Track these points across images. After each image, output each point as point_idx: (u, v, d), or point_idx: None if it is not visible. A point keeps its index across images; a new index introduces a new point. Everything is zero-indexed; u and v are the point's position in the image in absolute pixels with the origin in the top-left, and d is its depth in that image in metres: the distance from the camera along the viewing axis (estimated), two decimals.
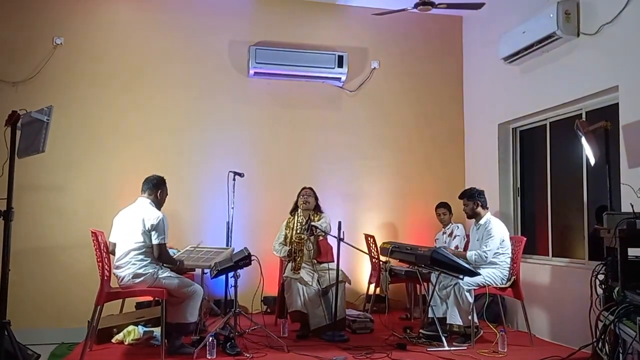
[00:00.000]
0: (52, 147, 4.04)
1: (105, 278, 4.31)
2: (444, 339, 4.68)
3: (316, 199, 5.57)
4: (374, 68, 6.96)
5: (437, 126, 7.04)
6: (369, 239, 6.22)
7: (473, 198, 5.17)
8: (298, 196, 5.58)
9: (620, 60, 4.62)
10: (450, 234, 6.11)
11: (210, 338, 4.27)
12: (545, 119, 5.90)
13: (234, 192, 5.71)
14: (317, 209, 5.57)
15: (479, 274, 4.77)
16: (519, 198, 6.36)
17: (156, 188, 4.58)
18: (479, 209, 5.15)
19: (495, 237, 4.95)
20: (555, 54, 5.42)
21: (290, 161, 6.64)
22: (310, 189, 5.59)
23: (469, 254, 4.93)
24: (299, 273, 5.19)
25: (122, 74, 6.27)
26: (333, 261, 5.27)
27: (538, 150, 6.13)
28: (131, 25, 6.37)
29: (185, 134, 6.40)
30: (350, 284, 5.40)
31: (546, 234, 5.83)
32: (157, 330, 4.73)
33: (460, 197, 5.31)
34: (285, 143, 6.67)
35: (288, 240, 5.44)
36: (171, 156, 6.28)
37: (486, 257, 4.91)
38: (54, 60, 6.06)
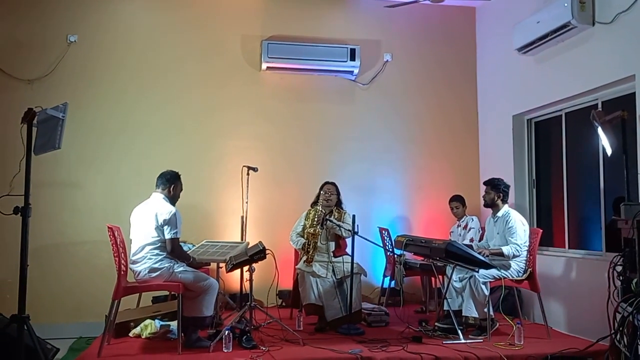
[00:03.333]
0: (68, 143, 4.06)
1: (122, 273, 4.35)
2: (459, 331, 4.66)
3: (338, 194, 5.54)
4: (387, 61, 6.93)
5: (450, 118, 7.01)
6: (384, 232, 6.21)
7: (498, 189, 5.13)
8: (320, 190, 5.53)
9: (637, 48, 4.55)
10: (465, 227, 6.07)
11: (226, 331, 4.29)
12: (561, 110, 5.84)
13: (248, 186, 5.73)
14: (339, 205, 5.54)
15: (494, 267, 4.75)
16: (534, 190, 6.31)
17: (169, 183, 4.60)
18: (499, 202, 5.12)
19: (519, 229, 4.92)
20: (570, 44, 5.36)
21: (303, 155, 6.65)
22: (333, 184, 5.51)
23: (505, 248, 4.87)
24: (311, 266, 5.20)
25: (136, 70, 6.30)
26: (348, 254, 5.27)
27: (553, 142, 6.08)
28: (144, 22, 6.40)
29: (198, 129, 6.43)
30: (365, 275, 5.40)
31: (562, 226, 5.79)
32: (173, 324, 4.76)
33: (485, 183, 5.25)
34: (298, 137, 6.67)
35: (305, 231, 5.42)
36: (185, 151, 6.31)
37: (520, 250, 4.88)
38: (68, 58, 6.11)
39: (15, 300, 3.85)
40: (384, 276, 6.30)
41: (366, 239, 5.24)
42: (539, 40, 5.53)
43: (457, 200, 6.17)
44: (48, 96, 5.48)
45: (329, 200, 5.43)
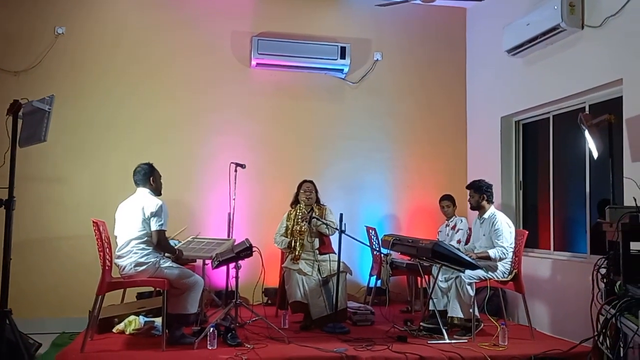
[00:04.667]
0: (54, 137, 4.03)
1: (107, 268, 4.32)
2: (444, 331, 4.68)
3: (317, 192, 5.55)
4: (377, 60, 6.93)
5: (439, 118, 7.02)
6: (371, 231, 6.21)
7: (480, 191, 5.15)
8: (298, 190, 5.54)
9: (625, 52, 4.59)
10: (454, 227, 6.08)
11: (211, 329, 4.28)
12: (549, 112, 5.87)
13: (235, 183, 5.71)
14: (318, 202, 5.55)
15: (480, 267, 4.76)
16: (521, 191, 6.35)
17: (147, 176, 4.55)
18: (484, 203, 5.14)
19: (505, 231, 4.94)
20: (559, 47, 5.39)
21: (292, 152, 6.63)
22: (311, 182, 5.55)
23: (491, 252, 4.88)
24: (297, 264, 5.20)
25: (124, 64, 6.25)
26: (334, 252, 5.27)
27: (541, 144, 6.11)
28: (133, 16, 6.34)
29: (186, 124, 6.39)
30: (351, 274, 5.40)
31: (548, 228, 5.82)
32: (158, 321, 4.74)
33: (467, 187, 5.29)
34: (287, 134, 6.65)
35: (289, 232, 5.42)
36: (173, 147, 6.27)
37: (507, 252, 4.90)
38: (55, 50, 6.05)
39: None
40: (370, 275, 6.31)
41: (353, 238, 5.24)
42: (529, 43, 5.55)
43: (448, 200, 6.16)
44: (34, 88, 5.41)
45: (310, 198, 5.44)
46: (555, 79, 5.47)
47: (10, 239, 3.80)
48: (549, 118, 5.90)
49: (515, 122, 6.40)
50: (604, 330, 3.44)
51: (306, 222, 5.30)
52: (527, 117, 6.24)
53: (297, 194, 5.55)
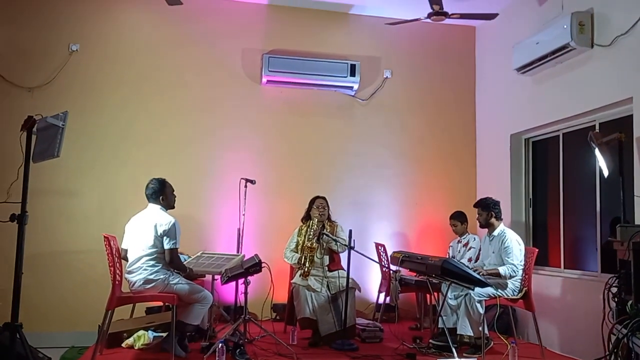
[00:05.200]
0: (66, 152, 4.05)
1: (117, 282, 4.34)
2: (454, 349, 4.63)
3: (328, 208, 5.56)
4: (387, 77, 6.97)
5: (449, 136, 7.04)
6: (380, 247, 6.20)
7: (488, 208, 5.14)
8: (311, 205, 5.55)
9: (635, 71, 4.60)
10: (466, 244, 6.02)
11: (220, 344, 4.27)
12: (558, 130, 5.88)
13: (245, 199, 5.73)
14: (329, 218, 5.56)
15: (489, 285, 4.74)
16: (530, 209, 6.33)
17: (157, 194, 4.59)
18: (493, 220, 5.13)
19: (515, 248, 4.92)
20: (568, 65, 5.40)
21: (302, 169, 6.66)
22: (324, 198, 5.56)
23: (501, 269, 4.86)
24: (307, 280, 5.19)
25: (136, 80, 6.33)
26: (343, 269, 5.27)
27: (551, 161, 6.11)
28: (146, 33, 6.43)
29: (197, 140, 6.44)
30: (360, 291, 5.39)
31: (558, 246, 5.80)
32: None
33: (475, 206, 5.29)
34: (297, 151, 6.68)
35: (299, 247, 5.43)
36: (183, 162, 6.32)
37: (517, 270, 4.88)
38: (69, 67, 6.14)
39: (8, 307, 3.84)
40: (379, 292, 6.29)
41: (362, 254, 5.23)
42: (538, 61, 5.57)
43: (456, 219, 6.11)
44: (48, 104, 5.49)
45: (322, 214, 5.45)
46: (565, 97, 5.48)
47: (22, 253, 3.82)
48: (558, 136, 5.90)
49: (525, 139, 6.41)
50: (615, 350, 3.41)
51: (316, 238, 5.30)
52: (536, 135, 6.24)
53: (308, 210, 5.56)
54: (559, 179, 5.85)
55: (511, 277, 4.88)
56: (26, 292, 3.83)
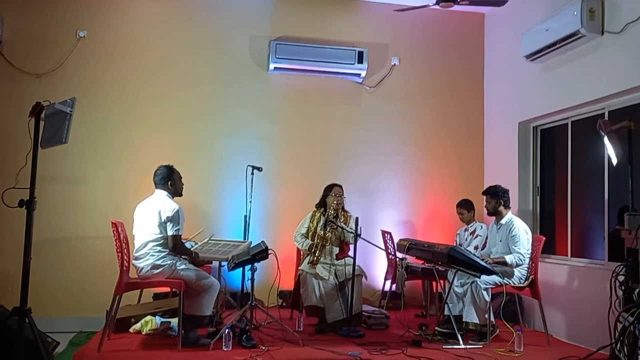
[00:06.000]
0: (73, 138, 4.06)
1: (125, 268, 4.37)
2: (459, 336, 4.66)
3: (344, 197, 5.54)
4: (394, 64, 6.93)
5: (456, 123, 7.01)
6: (386, 235, 6.21)
7: (497, 196, 5.12)
8: (327, 192, 5.49)
9: None
10: (473, 233, 6.01)
11: (227, 330, 4.30)
12: (567, 118, 5.84)
13: (252, 186, 5.74)
14: (343, 207, 5.53)
15: (496, 273, 4.74)
16: (538, 197, 6.31)
17: (165, 180, 4.59)
18: (501, 208, 5.11)
19: (523, 237, 4.91)
20: (578, 52, 5.36)
21: (308, 156, 6.66)
22: (341, 187, 5.51)
23: (508, 257, 4.86)
24: (314, 268, 5.20)
25: (144, 67, 6.33)
26: (350, 257, 5.28)
27: (559, 149, 6.07)
28: (153, 19, 6.42)
29: (204, 127, 6.44)
30: (366, 278, 5.40)
31: (565, 234, 5.78)
32: (174, 321, 4.78)
33: (483, 193, 5.27)
34: (304, 138, 6.68)
35: (311, 233, 5.42)
36: (190, 149, 6.33)
37: (524, 258, 4.88)
38: (77, 53, 6.13)
39: (17, 292, 3.88)
40: (385, 279, 6.30)
41: (369, 242, 5.24)
42: (547, 48, 5.53)
43: (462, 207, 6.11)
44: (56, 91, 5.50)
45: (340, 203, 5.43)
46: (574, 85, 5.44)
47: (30, 239, 3.85)
48: (567, 124, 5.86)
49: (533, 127, 6.37)
50: (621, 338, 3.42)
51: (326, 227, 5.28)
52: (545, 123, 6.20)
53: (324, 196, 5.52)
54: (567, 167, 5.82)
55: (518, 265, 4.88)
56: (34, 277, 3.86)
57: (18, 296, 3.85)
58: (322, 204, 5.54)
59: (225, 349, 4.23)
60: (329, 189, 5.52)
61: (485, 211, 5.28)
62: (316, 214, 5.51)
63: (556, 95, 5.71)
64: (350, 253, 5.28)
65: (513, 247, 4.90)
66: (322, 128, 6.73)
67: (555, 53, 5.54)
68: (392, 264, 6.08)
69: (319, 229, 5.34)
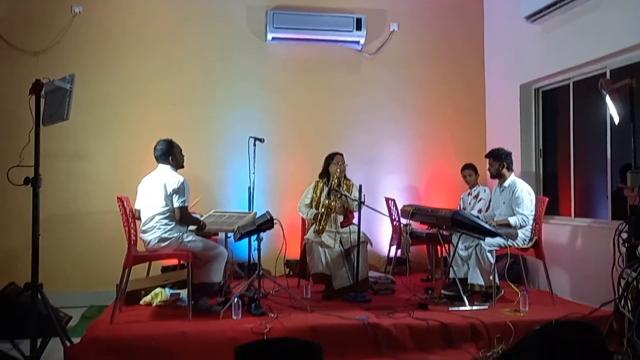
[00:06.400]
0: (74, 115, 4.07)
1: (132, 242, 4.41)
2: (465, 298, 4.72)
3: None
4: (393, 30, 6.87)
5: (457, 87, 6.97)
6: (390, 202, 6.24)
7: (500, 159, 5.13)
8: (329, 161, 5.50)
9: None
10: (476, 196, 6.04)
11: (236, 299, 4.36)
12: (569, 79, 5.80)
13: (254, 157, 5.75)
14: (345, 176, 5.54)
15: (500, 235, 4.77)
16: (541, 159, 6.32)
17: (166, 154, 4.59)
18: (504, 171, 5.12)
19: (526, 198, 4.93)
20: (578, 12, 5.30)
21: (310, 125, 6.65)
22: (342, 155, 5.51)
23: (511, 219, 4.87)
24: (320, 237, 5.24)
25: (141, 41, 6.29)
26: (354, 224, 5.31)
27: (561, 110, 6.06)
28: None
29: (204, 100, 6.43)
30: (372, 245, 5.44)
31: (569, 195, 5.80)
32: (183, 293, 4.84)
33: (486, 156, 5.27)
34: (304, 108, 6.66)
35: (315, 203, 5.45)
36: (191, 122, 6.33)
37: (527, 220, 4.89)
38: (73, 29, 6.10)
39: (27, 269, 3.93)
40: (390, 245, 6.35)
41: (373, 209, 5.27)
42: (548, 8, 5.47)
43: (470, 168, 6.14)
44: (54, 68, 5.47)
45: (342, 170, 5.44)
46: (575, 45, 5.40)
47: (37, 215, 3.90)
48: (569, 84, 5.83)
49: (535, 89, 6.34)
50: (625, 294, 3.47)
51: (332, 195, 5.30)
52: (546, 84, 6.17)
53: (326, 166, 5.53)
54: (569, 128, 5.81)
55: (521, 227, 4.91)
56: (44, 253, 3.91)
57: (28, 273, 3.92)
58: (324, 174, 5.55)
59: (235, 317, 4.29)
60: (330, 157, 5.52)
61: (489, 174, 5.30)
62: (319, 184, 5.52)
63: (557, 56, 5.67)
64: (355, 220, 5.31)
65: (516, 208, 4.92)
66: (322, 97, 6.71)
67: (556, 13, 5.49)
68: (397, 230, 6.13)
69: (323, 198, 5.37)
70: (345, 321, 4.22)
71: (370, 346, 4.09)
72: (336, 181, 5.39)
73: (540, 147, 6.32)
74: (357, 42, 6.67)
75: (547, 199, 5.11)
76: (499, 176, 5.17)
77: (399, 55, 6.88)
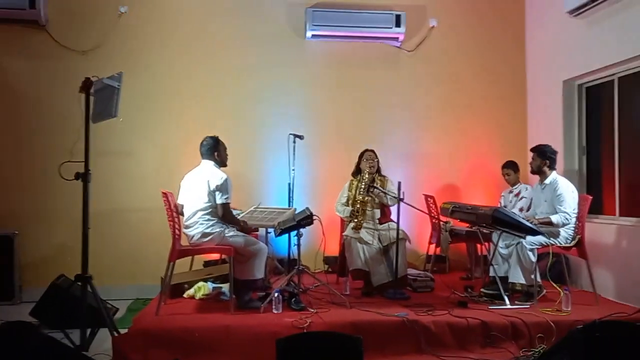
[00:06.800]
0: (121, 112, 4.19)
1: (177, 236, 4.52)
2: (505, 297, 4.67)
3: (378, 161, 5.57)
4: (433, 26, 6.84)
5: (498, 84, 6.89)
6: (429, 199, 6.22)
7: (544, 155, 5.05)
8: (360, 159, 5.56)
9: None
10: (517, 195, 5.94)
11: (276, 294, 4.43)
12: (614, 74, 5.68)
13: (294, 154, 5.80)
14: (379, 172, 5.58)
15: (542, 233, 4.71)
16: (584, 156, 6.20)
17: (212, 150, 4.70)
18: (545, 168, 5.04)
19: (568, 196, 4.85)
20: (624, 5, 5.19)
21: (349, 122, 6.68)
22: (373, 151, 5.56)
23: (554, 217, 4.80)
24: (359, 233, 5.27)
25: (184, 39, 6.42)
26: (393, 221, 5.32)
27: (605, 107, 5.93)
28: None
29: (245, 97, 6.52)
30: (410, 242, 5.43)
31: (613, 193, 5.68)
32: (225, 287, 4.94)
33: (532, 150, 5.17)
34: (344, 104, 6.69)
35: (351, 201, 5.49)
36: (232, 119, 6.43)
37: (570, 218, 4.82)
38: (119, 29, 6.27)
39: (76, 262, 4.08)
40: (429, 243, 6.33)
41: (412, 206, 5.27)
42: (592, 2, 5.38)
43: (509, 167, 6.05)
44: (102, 66, 5.61)
45: (372, 166, 5.47)
46: (620, 39, 5.28)
47: (87, 209, 4.03)
48: (613, 80, 5.71)
49: (578, 85, 6.22)
50: None
51: (366, 191, 5.34)
52: (590, 80, 6.05)
53: (358, 163, 5.58)
54: (614, 125, 5.69)
55: (564, 225, 4.82)
56: (91, 248, 4.04)
57: (77, 266, 4.06)
58: (357, 171, 5.59)
59: (275, 312, 4.36)
60: (361, 155, 5.57)
61: (529, 168, 5.22)
62: (353, 182, 5.56)
63: (601, 51, 5.55)
64: (394, 217, 5.32)
65: (559, 206, 4.84)
66: (361, 94, 6.72)
67: (600, 7, 5.38)
68: (436, 228, 6.10)
69: (357, 195, 5.39)
70: (384, 317, 4.24)
71: (410, 343, 4.10)
72: (368, 177, 5.41)
73: (584, 144, 6.20)
74: (396, 39, 6.67)
75: (590, 197, 5.02)
76: (539, 172, 5.09)
77: (438, 51, 6.84)
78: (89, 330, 4.04)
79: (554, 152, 5.08)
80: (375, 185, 5.34)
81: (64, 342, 3.59)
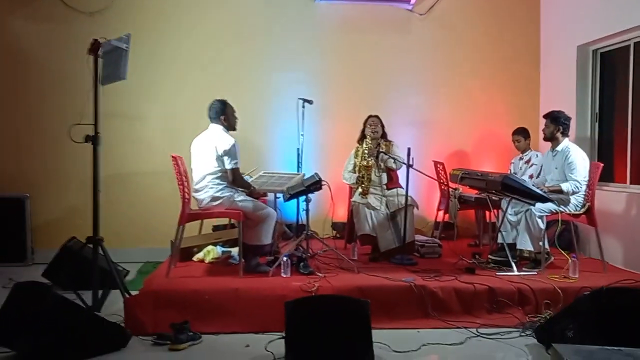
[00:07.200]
0: (128, 75, 4.17)
1: (186, 200, 4.54)
2: (513, 263, 4.68)
3: (382, 126, 5.54)
4: None
5: (511, 49, 6.77)
6: (438, 165, 6.20)
7: (557, 122, 4.98)
8: (365, 125, 5.55)
9: None
10: (528, 162, 5.92)
11: (285, 258, 4.46)
12: (629, 40, 5.56)
13: (303, 119, 5.77)
14: (385, 137, 5.55)
15: (551, 200, 4.68)
16: (596, 124, 6.13)
17: (219, 114, 4.67)
18: (558, 135, 4.98)
19: (580, 164, 4.81)
20: None
21: (359, 87, 6.61)
22: (377, 117, 5.53)
23: (564, 185, 4.77)
24: (366, 198, 5.27)
25: (192, 3, 6.32)
26: (401, 187, 5.31)
27: (620, 73, 5.82)
28: None
29: (254, 62, 6.46)
30: (418, 209, 5.43)
31: (625, 161, 5.63)
32: (234, 251, 4.99)
33: (545, 117, 5.10)
34: (354, 69, 6.62)
35: (357, 168, 5.48)
36: (241, 83, 6.38)
37: (580, 186, 4.78)
38: None
39: (87, 225, 4.12)
40: (438, 210, 6.33)
41: (421, 172, 5.25)
42: None
43: (519, 134, 6.01)
44: (109, 28, 5.51)
45: (376, 132, 5.44)
46: (637, 3, 5.15)
47: (98, 172, 4.06)
48: (629, 46, 5.59)
49: (593, 51, 6.10)
50: None
51: (373, 156, 5.34)
52: (605, 46, 5.93)
53: (363, 130, 5.57)
54: (628, 92, 5.60)
55: (574, 193, 4.80)
56: (101, 211, 4.07)
57: (87, 229, 4.10)
58: (362, 138, 5.56)
59: (284, 275, 4.40)
60: (365, 122, 5.55)
61: (542, 135, 5.16)
62: (359, 149, 5.54)
63: (617, 16, 5.43)
64: (401, 182, 5.31)
65: (569, 174, 4.81)
66: (371, 58, 6.63)
67: None
68: (445, 195, 6.09)
69: (362, 160, 5.37)
70: (392, 282, 4.26)
71: (417, 307, 4.13)
72: (371, 142, 5.39)
73: (597, 111, 6.12)
74: (408, 2, 6.54)
75: (601, 165, 4.97)
76: (552, 139, 5.04)
77: (450, 15, 6.72)
78: (100, 292, 4.11)
79: (568, 119, 5.02)
80: (381, 150, 5.32)
81: (76, 303, 3.65)
